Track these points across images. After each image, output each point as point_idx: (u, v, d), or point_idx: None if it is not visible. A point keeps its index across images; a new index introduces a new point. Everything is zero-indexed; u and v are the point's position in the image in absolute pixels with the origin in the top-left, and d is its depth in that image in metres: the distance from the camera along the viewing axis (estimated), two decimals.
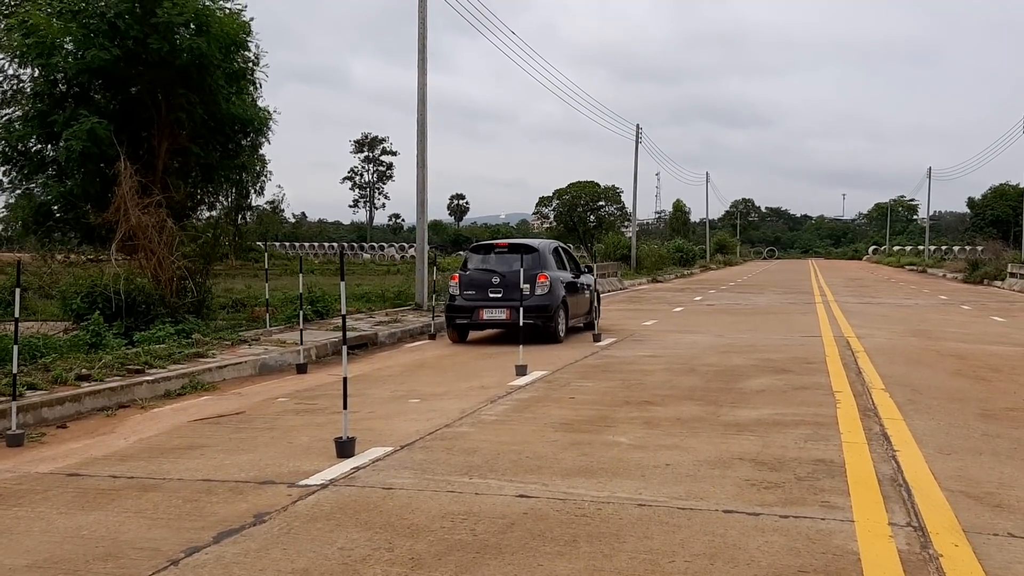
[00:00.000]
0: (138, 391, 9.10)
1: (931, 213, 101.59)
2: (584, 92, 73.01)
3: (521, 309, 11.95)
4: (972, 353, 12.83)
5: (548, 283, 14.39)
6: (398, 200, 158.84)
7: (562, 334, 14.63)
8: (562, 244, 16.91)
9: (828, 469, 5.93)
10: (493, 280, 14.38)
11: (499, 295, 14.23)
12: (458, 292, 14.62)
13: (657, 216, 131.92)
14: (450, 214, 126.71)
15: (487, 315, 14.29)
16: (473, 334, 15.19)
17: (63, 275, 14.99)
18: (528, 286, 13.73)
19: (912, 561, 4.19)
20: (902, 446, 6.63)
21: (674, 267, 55.87)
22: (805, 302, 25.54)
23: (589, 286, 16.59)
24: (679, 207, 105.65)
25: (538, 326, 14.02)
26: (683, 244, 68.61)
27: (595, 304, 16.81)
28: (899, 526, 4.71)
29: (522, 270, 12.37)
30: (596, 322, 16.22)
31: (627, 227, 73.63)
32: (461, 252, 51.07)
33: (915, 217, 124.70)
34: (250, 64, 15.20)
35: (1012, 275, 35.71)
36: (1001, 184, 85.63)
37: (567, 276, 15.43)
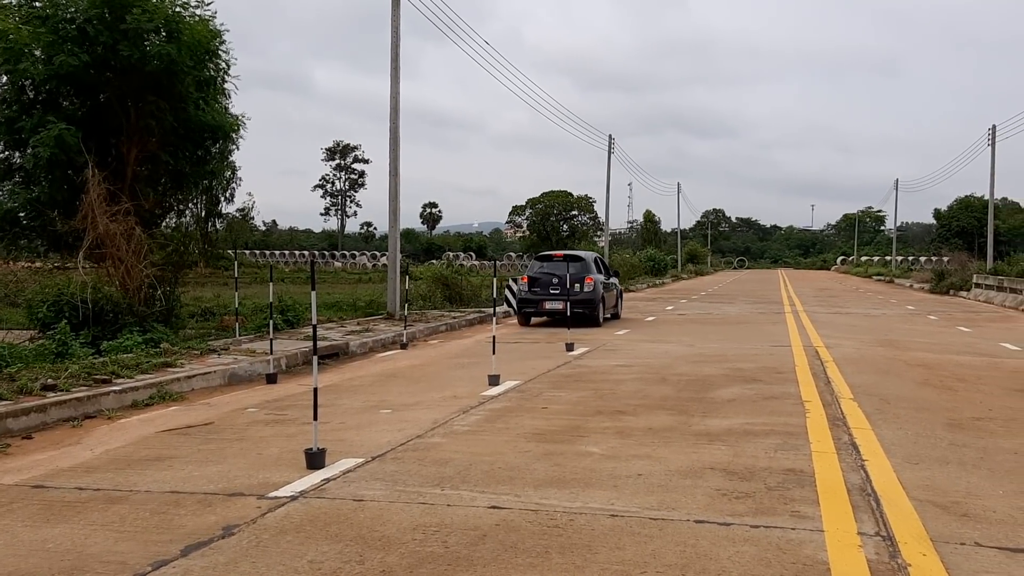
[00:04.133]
0: (105, 401, 8.98)
1: (898, 224, 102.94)
2: (554, 100, 73.48)
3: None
4: (939, 363, 12.99)
5: (593, 283, 19.62)
6: (370, 208, 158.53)
7: (601, 321, 19.91)
8: (598, 255, 23.22)
9: (798, 479, 5.97)
10: (553, 280, 19.28)
11: (557, 292, 19.09)
12: (526, 289, 19.71)
13: (629, 226, 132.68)
14: (423, 222, 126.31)
15: (548, 305, 19.40)
16: (448, 344, 15.18)
17: (29, 283, 14.81)
18: (578, 285, 19.29)
19: (881, 571, 4.23)
20: (871, 455, 6.70)
21: (646, 277, 56.14)
22: (775, 312, 25.75)
23: (616, 286, 22.50)
24: (650, 217, 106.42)
25: (585, 314, 19.14)
26: (655, 254, 68.95)
27: (620, 299, 22.85)
28: (868, 536, 4.75)
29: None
30: (620, 313, 22.55)
31: (600, 237, 73.97)
32: (434, 261, 51.01)
33: (883, 228, 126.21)
34: (221, 71, 15.09)
35: (977, 285, 36.25)
36: (967, 196, 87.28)
37: (603, 278, 20.66)
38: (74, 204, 13.11)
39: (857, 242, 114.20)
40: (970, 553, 4.51)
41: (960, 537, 4.76)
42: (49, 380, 9.10)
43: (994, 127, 49.81)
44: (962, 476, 6.13)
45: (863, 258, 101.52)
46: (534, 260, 21.41)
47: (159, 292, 13.78)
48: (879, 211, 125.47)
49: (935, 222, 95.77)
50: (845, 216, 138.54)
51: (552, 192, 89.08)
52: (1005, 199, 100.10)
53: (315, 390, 6.73)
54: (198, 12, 14.30)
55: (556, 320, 19.74)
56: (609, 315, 21.25)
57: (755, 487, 5.74)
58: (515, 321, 21.21)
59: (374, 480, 5.96)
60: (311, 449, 6.38)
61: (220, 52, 14.78)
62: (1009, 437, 7.56)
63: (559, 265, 19.58)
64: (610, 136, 53.58)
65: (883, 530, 4.86)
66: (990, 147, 49.86)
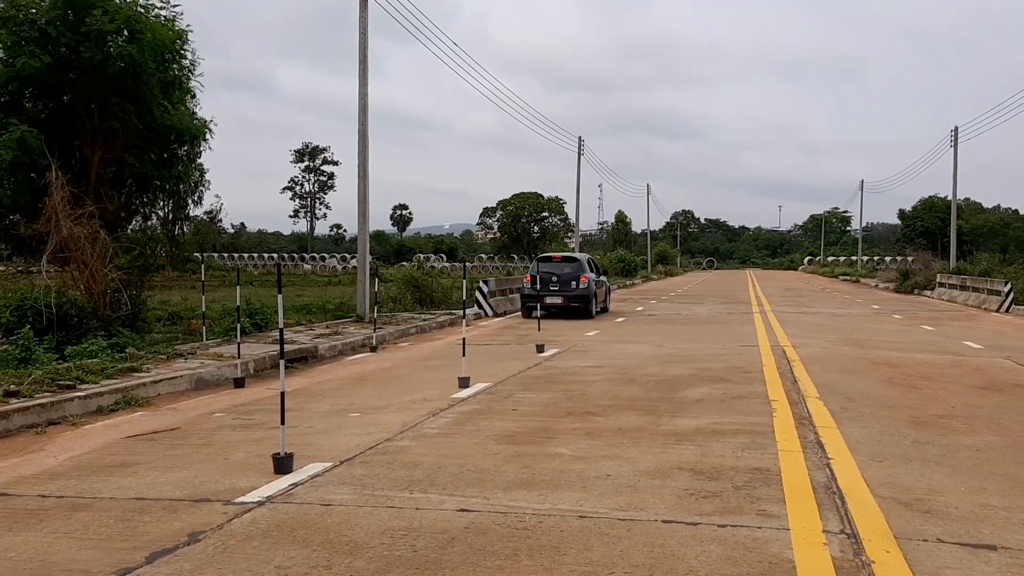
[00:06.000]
0: (69, 407, 8.85)
1: (864, 224, 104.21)
2: (522, 101, 73.68)
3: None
4: (903, 361, 13.17)
5: (587, 281, 22.48)
6: (340, 210, 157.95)
7: (594, 314, 22.83)
8: (591, 257, 26.62)
9: (764, 478, 6.02)
10: (552, 279, 21.97)
11: (556, 288, 21.91)
12: (530, 286, 22.25)
13: (600, 227, 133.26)
14: (393, 224, 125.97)
15: (549, 300, 21.29)
16: (429, 346, 15.14)
17: None
18: (574, 283, 22.27)
19: (845, 568, 4.28)
20: (836, 454, 6.77)
21: (617, 277, 56.28)
22: (743, 312, 25.96)
23: (606, 283, 25.76)
24: (621, 218, 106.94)
25: (580, 307, 22.31)
26: (625, 255, 69.25)
27: (608, 295, 26.08)
28: (833, 533, 4.81)
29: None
30: (609, 307, 25.86)
31: (571, 238, 74.11)
32: (404, 263, 50.91)
33: (849, 228, 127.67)
34: (185, 72, 14.93)
35: (941, 285, 36.78)
36: (930, 196, 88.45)
37: (595, 277, 23.55)
38: (37, 207, 12.92)
39: (824, 242, 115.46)
40: (932, 549, 4.58)
41: (923, 534, 4.83)
42: (12, 386, 8.96)
43: (956, 129, 50.53)
44: (925, 473, 6.22)
45: (830, 258, 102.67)
46: (536, 261, 24.36)
47: (125, 296, 13.60)
48: (845, 212, 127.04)
49: (900, 222, 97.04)
50: (812, 217, 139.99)
51: (523, 194, 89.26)
52: (968, 199, 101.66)
53: (282, 394, 6.69)
54: (162, 12, 14.17)
55: (552, 314, 21.65)
56: (600, 309, 24.02)
57: (722, 486, 5.79)
58: (486, 323, 21.32)
59: (342, 484, 5.93)
60: (279, 454, 6.33)
61: (184, 52, 14.62)
62: (971, 434, 7.68)
63: (558, 265, 22.91)
64: (580, 138, 53.72)
65: (848, 528, 4.92)
66: (952, 148, 50.56)
